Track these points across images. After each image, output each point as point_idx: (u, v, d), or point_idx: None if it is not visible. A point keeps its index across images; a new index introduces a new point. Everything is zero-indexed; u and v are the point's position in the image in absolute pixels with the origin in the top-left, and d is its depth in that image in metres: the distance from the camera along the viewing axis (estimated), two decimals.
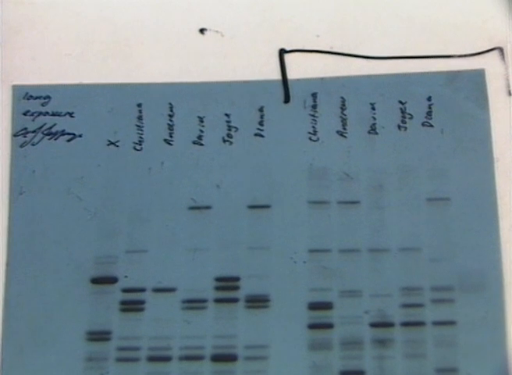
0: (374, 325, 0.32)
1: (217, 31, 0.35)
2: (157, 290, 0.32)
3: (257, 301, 0.32)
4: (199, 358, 0.32)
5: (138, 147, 0.34)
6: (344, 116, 0.34)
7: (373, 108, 0.34)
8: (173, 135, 0.34)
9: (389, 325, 0.32)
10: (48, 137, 0.34)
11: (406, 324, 0.32)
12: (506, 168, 0.34)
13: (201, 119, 0.34)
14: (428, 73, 0.35)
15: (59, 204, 0.33)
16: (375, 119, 0.34)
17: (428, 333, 0.32)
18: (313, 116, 0.34)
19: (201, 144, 0.34)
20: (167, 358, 0.32)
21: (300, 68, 0.35)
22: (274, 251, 0.33)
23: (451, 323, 0.32)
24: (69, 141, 0.34)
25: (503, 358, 0.32)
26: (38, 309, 0.32)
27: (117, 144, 0.34)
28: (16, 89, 0.34)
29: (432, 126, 0.34)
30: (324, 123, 0.34)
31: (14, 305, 0.32)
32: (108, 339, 0.32)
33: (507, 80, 0.35)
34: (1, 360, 0.31)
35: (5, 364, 0.32)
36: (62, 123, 0.34)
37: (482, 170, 0.34)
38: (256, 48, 0.35)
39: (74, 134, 0.34)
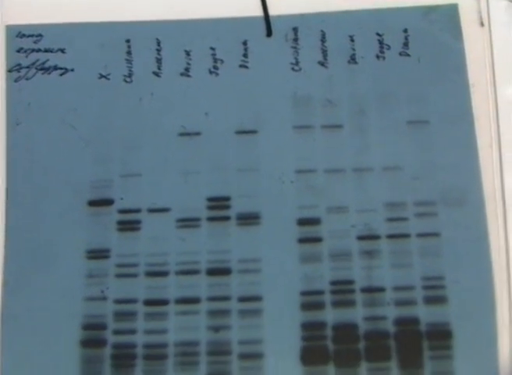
0: (361, 238, 0.40)
1: None
2: (152, 210, 0.40)
3: (248, 219, 0.39)
4: (195, 272, 0.39)
5: (128, 79, 0.42)
6: (324, 48, 0.43)
7: (352, 40, 0.43)
8: (161, 68, 0.42)
9: (376, 237, 0.39)
10: (42, 71, 0.42)
11: (391, 236, 0.39)
12: (482, 92, 0.42)
13: (188, 53, 0.42)
14: (404, 7, 0.43)
15: (54, 133, 0.40)
16: (354, 50, 0.43)
17: (413, 244, 0.39)
18: (295, 48, 0.43)
19: (189, 76, 0.42)
20: (164, 273, 0.39)
21: (280, 5, 0.43)
22: (262, 172, 0.40)
23: (435, 234, 0.39)
24: (61, 75, 0.42)
25: (487, 265, 0.39)
26: (39, 231, 0.39)
27: (108, 77, 0.42)
28: (10, 29, 0.42)
29: (408, 55, 0.43)
30: (305, 54, 0.42)
31: (15, 228, 0.39)
32: (107, 257, 0.39)
33: (479, 13, 0.44)
34: (4, 280, 0.39)
35: (8, 284, 0.39)
36: (54, 59, 0.42)
37: (459, 94, 0.42)
38: None
39: (66, 69, 0.42)
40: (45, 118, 0.40)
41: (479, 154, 0.40)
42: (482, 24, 0.41)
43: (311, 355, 0.38)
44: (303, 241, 0.39)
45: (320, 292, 0.38)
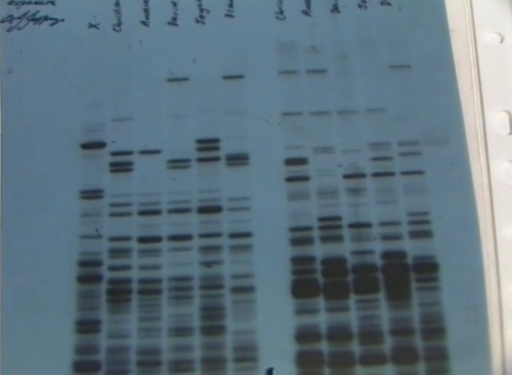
0: (347, 176, 0.43)
1: None
2: (143, 152, 0.43)
3: (237, 159, 0.43)
4: (186, 210, 0.42)
5: (117, 28, 0.46)
6: None
7: None
8: (149, 17, 0.46)
9: (361, 176, 0.43)
10: (33, 22, 0.46)
11: (376, 175, 0.42)
12: (461, 38, 0.46)
13: (174, 4, 0.46)
14: None
15: (46, 80, 0.43)
16: (336, 0, 0.48)
17: (398, 182, 0.43)
18: None
19: (176, 25, 0.46)
20: (157, 212, 0.42)
21: None
22: (250, 115, 0.44)
23: (419, 172, 0.43)
24: (52, 25, 0.45)
25: (470, 201, 0.43)
26: (34, 173, 0.41)
27: (97, 26, 0.46)
28: None
29: (389, 4, 0.47)
30: (289, 4, 0.46)
31: (11, 170, 0.42)
32: (100, 197, 0.42)
33: None
34: (2, 220, 0.43)
35: (6, 224, 0.43)
36: (44, 10, 0.45)
37: (439, 40, 0.45)
38: None
39: (57, 19, 0.46)
40: (37, 66, 0.43)
41: (460, 96, 0.43)
42: None
43: (301, 287, 0.41)
44: (290, 179, 0.42)
45: (308, 228, 0.41)
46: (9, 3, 0.43)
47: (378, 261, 0.41)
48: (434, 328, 0.40)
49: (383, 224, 0.42)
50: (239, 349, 0.40)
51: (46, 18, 0.43)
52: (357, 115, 0.43)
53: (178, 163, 0.42)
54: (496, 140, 0.43)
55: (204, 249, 0.41)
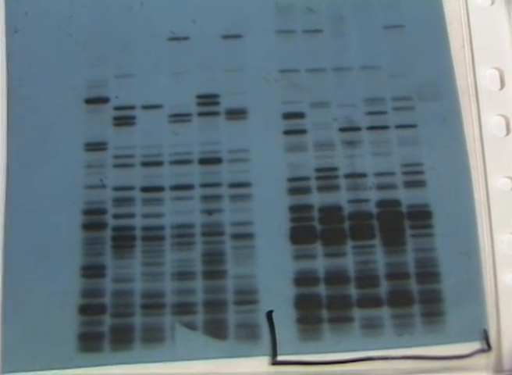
0: (343, 129, 0.46)
1: None
2: (145, 107, 0.46)
3: (236, 113, 0.46)
4: (188, 162, 0.45)
5: None
6: None
7: None
8: None
9: (357, 129, 0.46)
10: None
11: (371, 128, 0.46)
12: (453, 0, 0.52)
13: None
14: None
15: (51, 39, 0.46)
16: None
17: (392, 134, 0.46)
18: None
19: None
20: (159, 163, 0.45)
21: None
22: (248, 72, 0.47)
23: (413, 126, 0.46)
24: None
25: (462, 152, 0.46)
26: (40, 128, 0.45)
27: None
28: None
29: None
30: None
31: (17, 123, 0.45)
32: (104, 149, 0.45)
33: None
34: (9, 171, 0.47)
35: (13, 174, 0.45)
36: None
37: (432, 1, 0.48)
38: None
39: None
40: (42, 26, 0.47)
41: (452, 54, 0.47)
42: None
43: (299, 234, 0.44)
44: (288, 132, 0.46)
45: (306, 178, 0.45)
46: None
47: (373, 209, 0.45)
48: (428, 272, 0.44)
49: (378, 174, 0.45)
50: (239, 293, 0.43)
51: None
52: (351, 72, 0.47)
53: (179, 117, 0.46)
54: (487, 95, 0.47)
55: (205, 198, 0.45)
